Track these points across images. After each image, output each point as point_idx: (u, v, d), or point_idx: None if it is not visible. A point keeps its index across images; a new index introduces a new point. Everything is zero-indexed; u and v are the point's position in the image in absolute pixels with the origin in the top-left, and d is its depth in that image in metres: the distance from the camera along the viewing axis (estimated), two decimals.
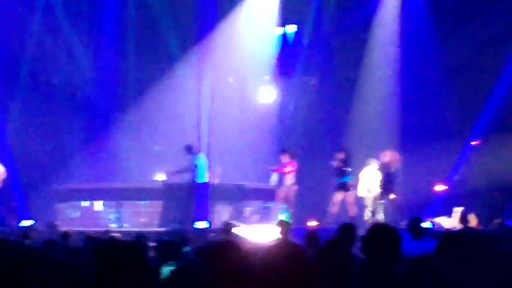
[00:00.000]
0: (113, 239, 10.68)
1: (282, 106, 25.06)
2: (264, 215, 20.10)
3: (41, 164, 22.41)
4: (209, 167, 19.43)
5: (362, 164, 19.94)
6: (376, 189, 19.50)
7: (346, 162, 18.88)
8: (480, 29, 23.47)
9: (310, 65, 24.97)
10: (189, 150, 18.96)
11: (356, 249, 6.91)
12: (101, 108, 23.80)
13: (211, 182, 19.48)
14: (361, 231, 7.69)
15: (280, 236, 10.98)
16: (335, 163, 18.91)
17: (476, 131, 23.95)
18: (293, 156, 18.81)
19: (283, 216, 18.38)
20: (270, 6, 23.69)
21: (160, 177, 20.10)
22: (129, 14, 23.72)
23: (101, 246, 10.03)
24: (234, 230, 13.11)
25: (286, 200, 18.80)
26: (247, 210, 20.66)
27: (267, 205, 20.67)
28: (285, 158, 18.71)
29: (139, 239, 10.51)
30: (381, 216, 19.39)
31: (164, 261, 8.31)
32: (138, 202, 20.81)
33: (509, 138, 22.91)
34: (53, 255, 8.98)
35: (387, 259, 5.28)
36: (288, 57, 24.45)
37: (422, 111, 24.17)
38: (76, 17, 23.38)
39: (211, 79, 21.56)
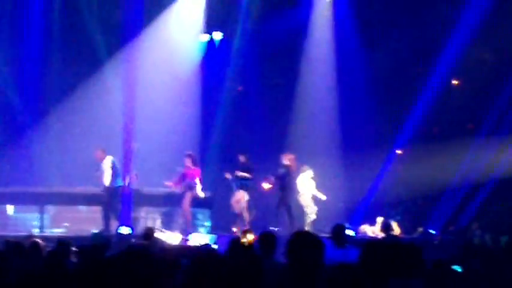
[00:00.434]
0: (35, 243, 10.45)
1: (208, 113, 24.91)
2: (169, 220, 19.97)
3: None
4: (127, 171, 19.26)
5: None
6: (309, 196, 19.55)
7: (247, 165, 18.85)
8: (404, 40, 23.80)
9: (236, 72, 24.91)
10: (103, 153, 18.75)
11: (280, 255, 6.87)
12: (23, 111, 23.33)
13: (132, 186, 19.25)
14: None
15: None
16: (227, 175, 18.93)
17: (400, 140, 24.27)
18: (195, 162, 18.67)
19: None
20: (195, 12, 23.57)
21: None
22: (54, 14, 23.22)
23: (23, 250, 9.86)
24: (156, 235, 13.02)
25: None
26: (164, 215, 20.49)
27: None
28: (188, 162, 18.58)
29: (60, 244, 10.30)
30: (307, 222, 19.41)
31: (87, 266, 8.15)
32: (61, 207, 20.52)
33: (431, 147, 23.28)
34: None
35: (309, 266, 5.27)
36: (214, 63, 24.36)
37: (350, 121, 24.34)
38: None
39: (137, 83, 21.38)
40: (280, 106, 24.44)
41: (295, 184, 19.43)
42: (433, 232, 21.51)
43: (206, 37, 24.25)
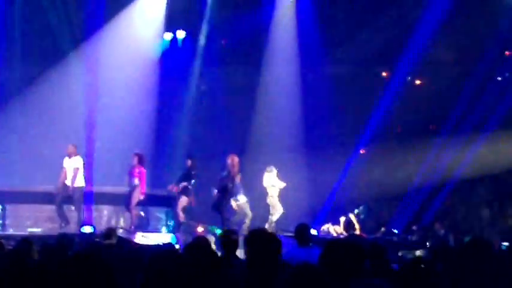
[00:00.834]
0: None
1: (170, 112, 24.79)
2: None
3: None
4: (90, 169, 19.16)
5: (260, 171, 19.87)
6: (276, 197, 19.50)
7: (192, 168, 18.74)
8: (366, 40, 23.91)
9: (199, 71, 24.84)
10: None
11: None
12: None
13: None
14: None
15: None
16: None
17: (363, 140, 24.38)
18: (141, 161, 18.53)
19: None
20: (158, 9, 23.44)
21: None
22: (14, 6, 22.82)
23: None
24: (117, 234, 12.95)
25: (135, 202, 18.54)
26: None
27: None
28: (134, 161, 18.46)
29: (23, 243, 10.19)
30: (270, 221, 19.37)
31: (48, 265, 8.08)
32: (24, 205, 20.31)
33: (394, 147, 23.45)
34: None
35: (266, 263, 5.29)
36: (177, 62, 24.27)
37: (314, 120, 24.39)
38: None
39: (99, 78, 21.26)
40: (243, 106, 24.38)
41: (235, 186, 19.19)
42: (396, 231, 21.64)
43: (169, 36, 24.16)
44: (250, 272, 5.38)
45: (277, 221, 19.31)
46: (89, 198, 19.02)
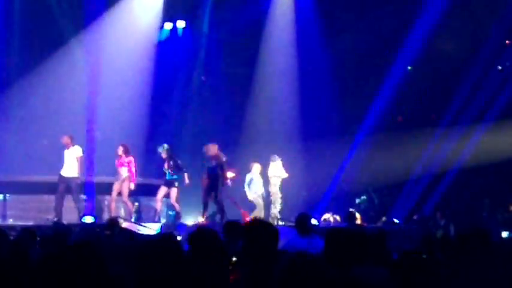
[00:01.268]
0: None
1: (171, 101, 24.78)
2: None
3: None
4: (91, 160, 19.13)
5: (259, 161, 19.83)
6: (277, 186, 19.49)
7: (169, 160, 18.51)
8: (366, 30, 23.87)
9: (198, 60, 24.82)
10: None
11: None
12: None
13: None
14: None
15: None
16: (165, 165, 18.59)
17: (364, 129, 24.37)
18: (127, 151, 18.39)
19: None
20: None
21: None
22: None
23: None
24: (120, 225, 12.97)
25: (120, 194, 18.45)
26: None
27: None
28: (119, 151, 18.32)
29: (24, 233, 10.20)
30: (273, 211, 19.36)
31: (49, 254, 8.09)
32: (24, 196, 20.29)
33: (395, 137, 23.43)
34: None
35: (263, 253, 5.30)
36: (177, 52, 24.24)
37: (314, 110, 24.38)
38: None
39: (99, 68, 21.22)
40: (242, 95, 24.38)
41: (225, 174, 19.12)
42: (397, 221, 21.66)
43: (169, 25, 24.12)
44: (247, 261, 5.38)
45: (280, 211, 19.31)
46: (90, 188, 18.99)
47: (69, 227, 12.46)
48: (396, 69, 23.84)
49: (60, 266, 4.40)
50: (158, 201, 18.54)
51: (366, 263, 5.66)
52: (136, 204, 19.61)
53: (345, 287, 4.66)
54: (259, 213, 18.95)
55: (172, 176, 18.22)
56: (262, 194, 19.28)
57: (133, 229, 15.95)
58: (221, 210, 17.97)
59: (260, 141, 22.87)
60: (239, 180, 19.94)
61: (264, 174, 19.47)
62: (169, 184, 18.27)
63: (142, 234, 14.86)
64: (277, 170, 19.40)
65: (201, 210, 18.24)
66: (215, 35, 24.30)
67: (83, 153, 18.11)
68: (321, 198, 23.44)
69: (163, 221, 19.31)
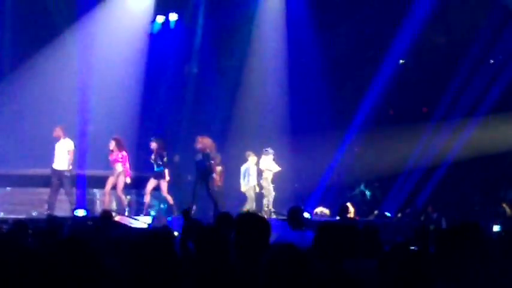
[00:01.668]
0: None
1: (163, 94, 24.72)
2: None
3: None
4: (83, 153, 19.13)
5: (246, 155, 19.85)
6: (269, 180, 19.49)
7: (158, 152, 18.48)
8: (358, 23, 23.88)
9: (190, 53, 24.79)
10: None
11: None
12: None
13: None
14: None
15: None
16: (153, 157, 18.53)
17: (356, 123, 24.39)
18: (120, 145, 18.31)
19: None
20: None
21: None
22: None
23: None
24: (112, 218, 12.97)
25: (115, 188, 18.42)
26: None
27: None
28: (111, 145, 18.27)
29: (16, 226, 10.21)
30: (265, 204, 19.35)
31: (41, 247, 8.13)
32: (16, 189, 20.28)
33: (387, 130, 23.46)
34: None
35: (254, 246, 5.32)
36: (169, 45, 24.20)
37: (305, 104, 24.37)
38: None
39: (92, 59, 21.21)
40: (234, 88, 24.36)
41: (215, 168, 19.16)
42: (389, 215, 21.72)
43: (162, 18, 24.07)
44: (238, 255, 5.41)
45: (271, 204, 19.31)
46: (81, 181, 18.97)
47: (62, 219, 12.45)
48: (388, 63, 23.84)
49: (52, 260, 4.42)
50: (147, 194, 18.50)
51: (357, 256, 5.69)
52: (128, 197, 19.61)
53: (334, 280, 4.68)
54: (251, 205, 18.97)
55: (159, 167, 18.19)
56: (254, 186, 19.29)
57: (126, 222, 15.99)
58: (214, 202, 17.97)
59: (252, 135, 22.86)
60: (227, 174, 20.02)
61: (257, 166, 19.50)
62: (157, 176, 18.22)
63: (135, 228, 14.90)
64: (270, 164, 19.39)
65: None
66: (207, 28, 24.27)
67: (75, 146, 18.08)
68: (313, 191, 23.47)
69: (152, 213, 19.29)
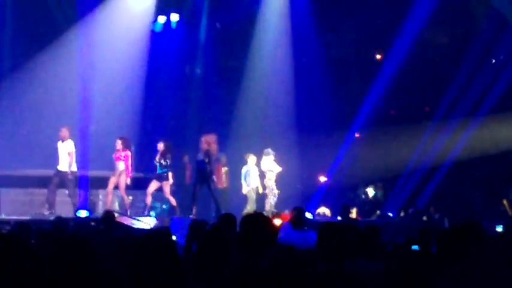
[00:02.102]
0: None
1: (165, 95, 24.72)
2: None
3: None
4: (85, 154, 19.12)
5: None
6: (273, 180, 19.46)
7: (164, 153, 18.45)
8: (360, 23, 23.87)
9: (192, 54, 24.78)
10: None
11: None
12: None
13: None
14: None
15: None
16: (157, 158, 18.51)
17: (358, 123, 24.37)
18: (126, 145, 18.30)
19: None
20: None
21: None
22: None
23: None
24: (115, 218, 12.96)
25: (117, 187, 18.40)
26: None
27: None
28: (118, 145, 18.25)
29: (20, 228, 10.22)
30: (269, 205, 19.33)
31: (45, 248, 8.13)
32: (17, 190, 20.26)
33: (389, 130, 23.46)
34: None
35: (259, 247, 5.32)
36: (171, 45, 24.18)
37: (306, 104, 24.35)
38: None
39: (93, 60, 21.19)
40: (236, 89, 24.34)
41: (219, 169, 19.21)
42: (391, 215, 21.72)
43: (163, 19, 24.05)
44: (243, 255, 5.40)
45: (274, 205, 19.30)
46: (84, 182, 18.95)
47: (68, 221, 12.42)
48: (390, 63, 23.82)
49: (53, 260, 4.42)
50: (148, 195, 18.48)
51: (359, 257, 5.69)
52: (131, 198, 19.58)
53: (336, 280, 4.69)
54: (252, 206, 18.95)
55: (162, 169, 18.16)
56: (255, 188, 19.27)
57: (128, 223, 15.98)
58: (216, 203, 17.97)
59: (254, 135, 22.85)
60: (231, 176, 20.03)
61: (258, 167, 19.48)
62: (160, 178, 18.20)
63: (137, 229, 14.88)
64: (271, 164, 19.36)
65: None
66: (210, 28, 24.27)
67: (76, 147, 18.07)
68: (315, 192, 23.45)
69: (152, 214, 19.27)
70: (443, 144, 23.60)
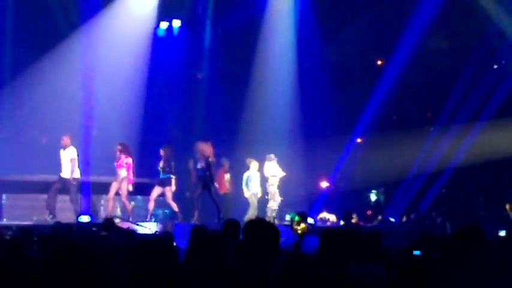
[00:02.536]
0: None
1: (167, 100, 24.73)
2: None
3: None
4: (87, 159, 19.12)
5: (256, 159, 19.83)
6: (275, 186, 19.43)
7: (167, 159, 18.44)
8: (363, 29, 23.88)
9: (195, 59, 24.79)
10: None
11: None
12: None
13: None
14: None
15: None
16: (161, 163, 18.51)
17: (360, 129, 24.38)
18: (125, 151, 18.28)
19: None
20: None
21: None
22: None
23: None
24: (116, 224, 12.95)
25: (119, 194, 18.38)
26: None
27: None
28: (117, 151, 18.25)
29: (21, 233, 10.21)
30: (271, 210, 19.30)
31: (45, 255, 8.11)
32: (19, 195, 20.24)
33: (391, 135, 23.45)
34: None
35: (263, 253, 5.31)
36: (173, 51, 24.19)
37: (309, 109, 24.35)
38: None
39: (95, 66, 21.20)
40: (239, 94, 24.35)
41: (222, 175, 19.27)
42: (393, 220, 21.70)
43: (165, 25, 24.07)
44: (247, 261, 5.39)
45: (276, 210, 19.29)
46: (86, 187, 18.95)
47: (68, 226, 12.40)
48: (392, 68, 23.83)
49: (58, 266, 4.41)
50: (151, 201, 18.47)
51: (360, 261, 5.68)
52: (133, 203, 19.58)
53: (337, 285, 4.68)
54: (253, 212, 18.94)
55: (165, 175, 18.17)
56: (256, 193, 19.26)
57: (130, 228, 15.95)
58: (217, 208, 17.98)
59: (257, 140, 22.84)
60: (234, 181, 20.02)
61: (260, 173, 19.48)
62: (163, 183, 18.19)
63: (139, 234, 14.87)
64: (274, 170, 19.35)
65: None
66: (212, 34, 24.29)
67: (78, 154, 18.07)
68: (317, 197, 23.46)
69: (153, 220, 19.25)
70: (445, 149, 23.61)
